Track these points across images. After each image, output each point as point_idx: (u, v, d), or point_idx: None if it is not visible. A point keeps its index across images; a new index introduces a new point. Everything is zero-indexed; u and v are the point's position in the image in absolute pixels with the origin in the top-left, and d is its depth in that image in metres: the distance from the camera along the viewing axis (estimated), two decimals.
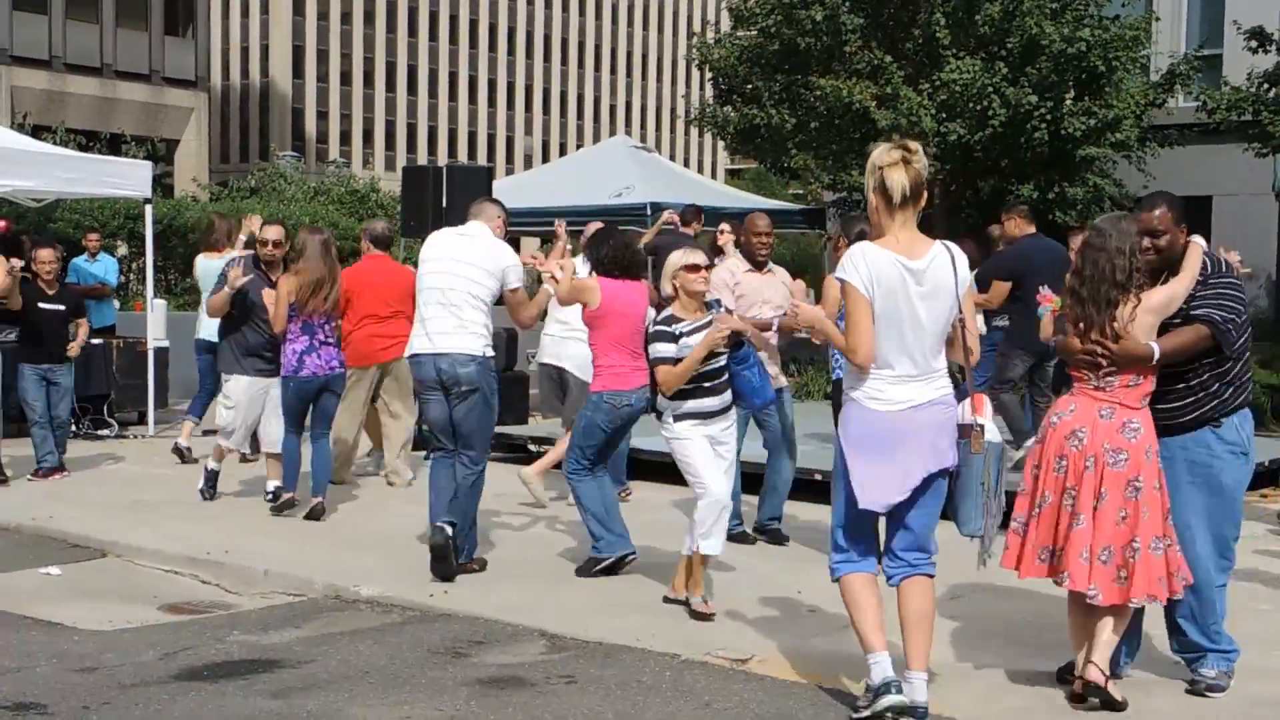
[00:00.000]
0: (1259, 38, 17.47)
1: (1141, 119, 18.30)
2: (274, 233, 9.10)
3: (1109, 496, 5.07)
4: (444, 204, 11.97)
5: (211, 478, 9.17)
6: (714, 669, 5.61)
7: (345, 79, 77.32)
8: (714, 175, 74.87)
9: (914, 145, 4.91)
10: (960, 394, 5.04)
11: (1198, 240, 5.38)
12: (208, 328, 10.62)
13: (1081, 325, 5.17)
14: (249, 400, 8.96)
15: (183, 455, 10.79)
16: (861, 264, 4.87)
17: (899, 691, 4.84)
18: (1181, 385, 5.27)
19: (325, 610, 6.61)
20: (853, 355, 4.92)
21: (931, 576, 5.04)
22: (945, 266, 4.91)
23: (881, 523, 5.10)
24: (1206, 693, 5.34)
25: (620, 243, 7.48)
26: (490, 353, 7.19)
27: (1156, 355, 5.10)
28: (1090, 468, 5.09)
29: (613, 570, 7.22)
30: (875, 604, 5.01)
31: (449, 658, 5.75)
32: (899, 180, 4.85)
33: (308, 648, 5.88)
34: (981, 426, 5.01)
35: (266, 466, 9.17)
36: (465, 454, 7.19)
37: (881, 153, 4.91)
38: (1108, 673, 5.15)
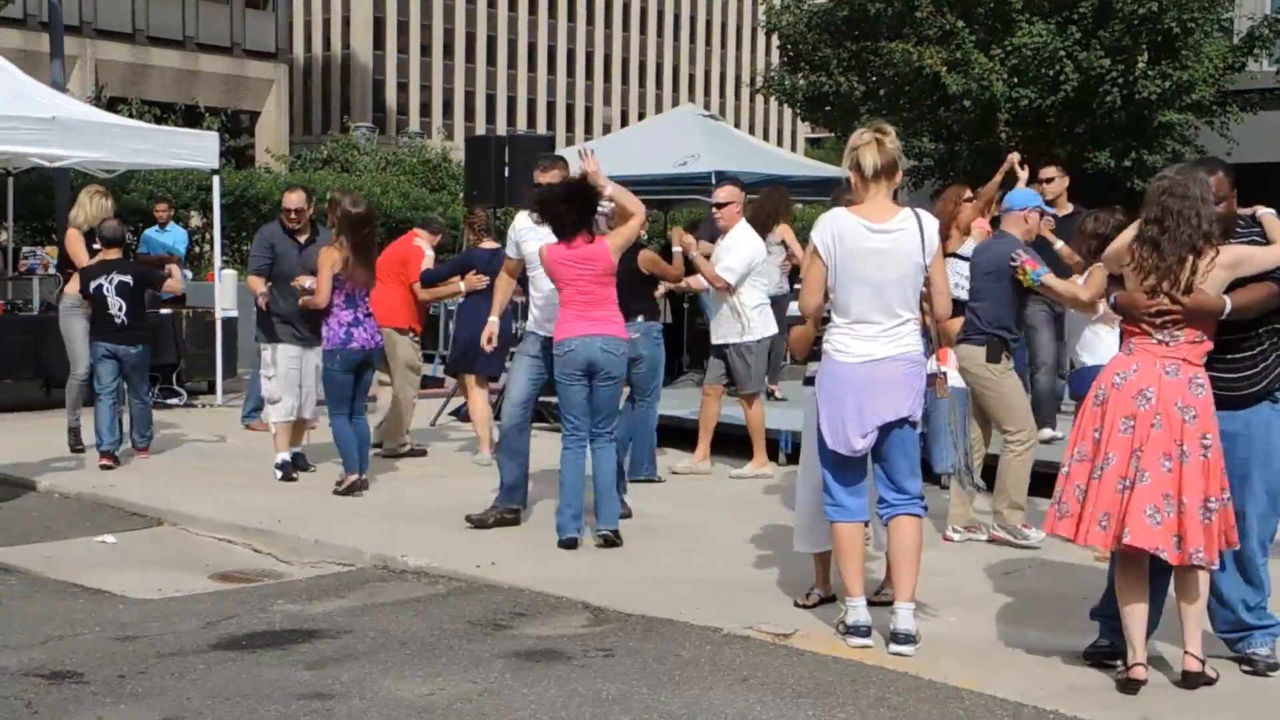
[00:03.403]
0: None
1: (1219, 81, 17.81)
2: (295, 200, 9.22)
3: (1190, 454, 4.90)
4: (506, 174, 11.99)
5: (285, 467, 8.98)
6: (755, 643, 5.55)
7: (425, 50, 77.65)
8: (794, 144, 74.42)
9: (887, 128, 5.54)
10: (927, 348, 5.58)
11: (1270, 211, 5.26)
12: None
13: (1153, 277, 4.98)
14: (289, 368, 9.00)
15: None
16: (829, 227, 5.46)
17: (866, 635, 5.45)
18: (1241, 355, 5.12)
19: (372, 580, 6.63)
20: (803, 308, 5.67)
21: (916, 515, 5.50)
22: (911, 231, 5.41)
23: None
24: (1269, 672, 5.19)
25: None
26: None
27: (1228, 309, 4.94)
28: (1159, 425, 4.92)
29: None
30: (859, 553, 5.56)
31: (489, 629, 5.74)
32: (871, 158, 5.41)
33: (349, 618, 5.90)
34: (945, 374, 5.70)
35: (278, 435, 9.05)
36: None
37: (857, 135, 5.52)
38: (1203, 658, 5.03)
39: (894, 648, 5.37)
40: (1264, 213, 5.25)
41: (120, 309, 9.52)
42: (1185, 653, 5.03)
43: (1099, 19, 17.14)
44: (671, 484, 9.12)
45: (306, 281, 8.62)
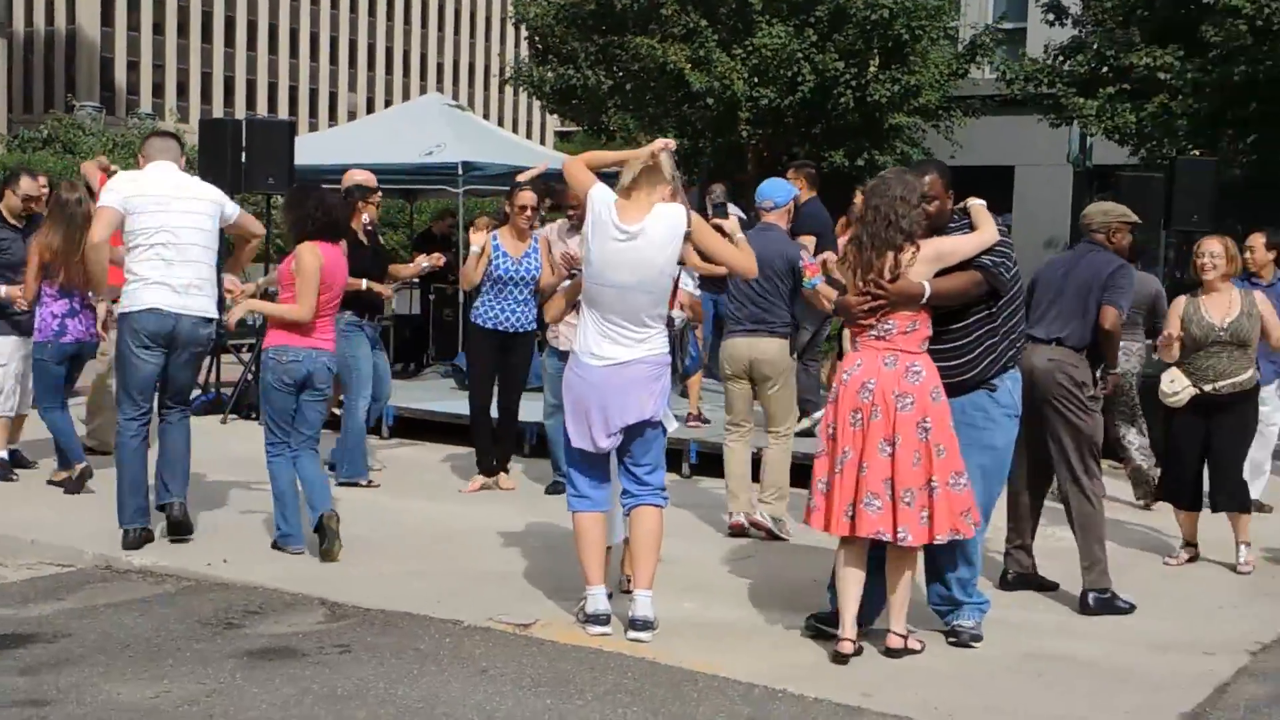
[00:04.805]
0: (1055, 11, 18.06)
1: (944, 87, 18.74)
2: (35, 187, 8.58)
3: (902, 440, 5.14)
4: (243, 159, 11.61)
5: (2, 466, 8.40)
6: (495, 635, 5.53)
7: (158, 28, 74.52)
8: (543, 138, 74.44)
9: (671, 141, 5.67)
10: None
11: (980, 202, 5.51)
12: None
13: (859, 273, 5.25)
14: (16, 359, 8.46)
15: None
16: (589, 212, 5.50)
17: (605, 624, 5.54)
18: (956, 343, 5.39)
19: (94, 581, 6.32)
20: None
21: (657, 506, 5.59)
22: (655, 229, 5.39)
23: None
24: (971, 643, 5.50)
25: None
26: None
27: (928, 293, 5.19)
28: (877, 414, 5.17)
29: None
30: (599, 542, 5.63)
31: (219, 629, 5.55)
32: (629, 172, 5.48)
33: (68, 620, 5.61)
34: (674, 318, 5.96)
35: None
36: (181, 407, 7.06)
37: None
38: (905, 634, 5.31)
39: (632, 634, 5.45)
40: (973, 203, 5.53)
41: None
42: (889, 630, 5.32)
43: (834, 23, 17.79)
44: (417, 478, 9.02)
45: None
